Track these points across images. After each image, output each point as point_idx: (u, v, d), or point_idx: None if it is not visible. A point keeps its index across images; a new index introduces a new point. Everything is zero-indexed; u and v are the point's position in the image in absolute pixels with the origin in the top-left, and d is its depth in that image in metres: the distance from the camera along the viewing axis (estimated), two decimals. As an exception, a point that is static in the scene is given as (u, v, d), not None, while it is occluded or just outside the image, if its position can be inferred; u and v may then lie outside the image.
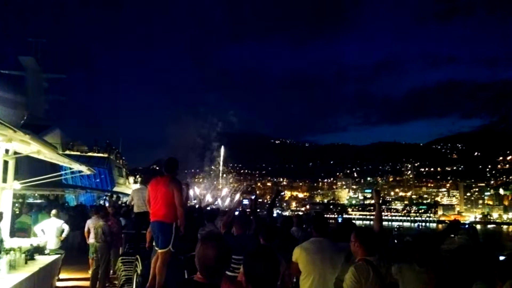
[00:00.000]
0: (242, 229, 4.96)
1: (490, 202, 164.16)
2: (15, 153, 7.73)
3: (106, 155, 40.03)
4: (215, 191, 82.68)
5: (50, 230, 9.03)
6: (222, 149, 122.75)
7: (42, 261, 7.11)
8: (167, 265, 5.15)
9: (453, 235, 4.18)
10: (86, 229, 9.75)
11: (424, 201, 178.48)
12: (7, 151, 7.52)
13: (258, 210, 7.54)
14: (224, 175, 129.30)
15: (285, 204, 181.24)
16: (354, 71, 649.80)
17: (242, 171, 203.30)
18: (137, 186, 13.26)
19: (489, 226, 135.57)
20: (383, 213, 4.91)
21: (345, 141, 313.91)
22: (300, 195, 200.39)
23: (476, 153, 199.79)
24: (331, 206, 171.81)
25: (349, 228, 4.10)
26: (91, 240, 9.38)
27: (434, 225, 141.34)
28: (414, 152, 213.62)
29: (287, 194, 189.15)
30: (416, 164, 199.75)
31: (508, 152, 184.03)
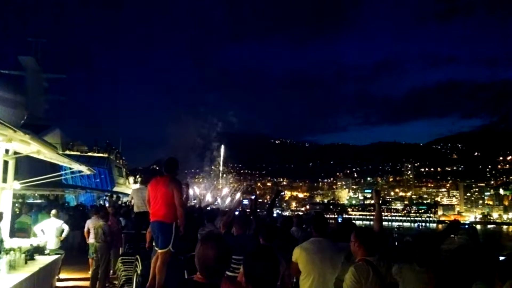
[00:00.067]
0: (242, 229, 4.96)
1: (490, 202, 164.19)
2: (15, 153, 7.72)
3: (106, 155, 39.97)
4: (215, 191, 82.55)
5: (50, 230, 9.03)
6: (222, 149, 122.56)
7: (42, 261, 7.10)
8: (167, 265, 5.15)
9: (453, 235, 4.17)
10: (86, 229, 9.75)
11: (424, 201, 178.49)
12: (7, 151, 7.51)
13: (258, 210, 7.54)
14: (224, 175, 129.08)
15: (285, 204, 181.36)
16: (354, 71, 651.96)
17: (242, 171, 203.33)
18: (137, 186, 13.24)
19: (489, 226, 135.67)
20: (383, 213, 4.90)
21: (345, 141, 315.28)
22: (300, 195, 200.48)
23: (476, 153, 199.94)
24: (331, 206, 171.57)
25: (349, 228, 4.10)
26: (91, 240, 9.38)
27: (434, 225, 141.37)
28: (414, 152, 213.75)
29: (287, 194, 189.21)
30: (416, 164, 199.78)
31: (508, 152, 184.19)
